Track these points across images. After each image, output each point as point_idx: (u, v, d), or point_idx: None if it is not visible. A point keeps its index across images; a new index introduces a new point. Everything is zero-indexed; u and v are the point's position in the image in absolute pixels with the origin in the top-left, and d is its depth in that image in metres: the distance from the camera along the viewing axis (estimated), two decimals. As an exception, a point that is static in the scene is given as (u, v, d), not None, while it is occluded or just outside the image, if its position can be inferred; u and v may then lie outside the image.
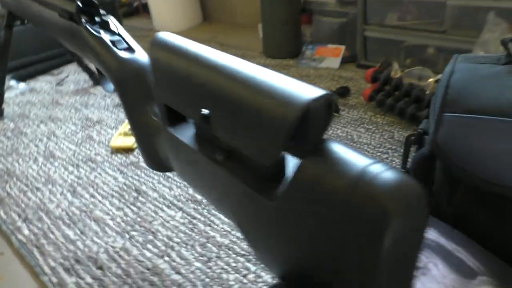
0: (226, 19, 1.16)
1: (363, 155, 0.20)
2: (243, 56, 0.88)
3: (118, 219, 0.46)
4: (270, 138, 0.21)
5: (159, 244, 0.42)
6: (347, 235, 0.18)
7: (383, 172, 0.18)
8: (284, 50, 0.84)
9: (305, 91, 0.20)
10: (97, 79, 0.83)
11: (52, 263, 0.41)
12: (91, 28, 0.39)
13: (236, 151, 0.26)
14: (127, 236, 0.43)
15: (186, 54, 0.27)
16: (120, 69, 0.36)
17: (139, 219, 0.45)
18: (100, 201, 0.49)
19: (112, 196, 0.50)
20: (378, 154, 0.51)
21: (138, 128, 0.36)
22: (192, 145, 0.29)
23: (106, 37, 0.38)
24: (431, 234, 0.32)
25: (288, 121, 0.19)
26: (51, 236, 0.45)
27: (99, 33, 0.39)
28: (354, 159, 0.19)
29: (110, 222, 0.45)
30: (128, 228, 0.44)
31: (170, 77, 0.29)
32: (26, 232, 0.46)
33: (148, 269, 0.39)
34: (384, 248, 0.17)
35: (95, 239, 0.43)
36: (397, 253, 0.18)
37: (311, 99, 0.19)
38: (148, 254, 0.40)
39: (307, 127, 0.20)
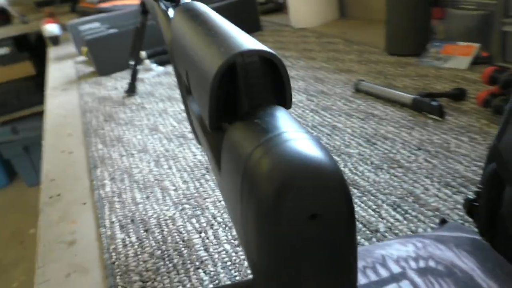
0: (361, 15, 1.11)
1: (294, 123, 0.16)
2: (362, 52, 0.83)
3: (180, 191, 0.48)
4: (205, 101, 0.19)
5: (202, 220, 0.42)
6: (247, 213, 0.16)
7: (287, 142, 0.15)
8: (407, 47, 0.76)
9: (242, 45, 0.18)
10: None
11: (114, 219, 0.45)
12: (163, 3, 0.42)
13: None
14: (180, 207, 0.45)
15: (189, 20, 0.26)
16: (171, 42, 0.38)
17: (196, 194, 0.46)
18: (173, 173, 0.52)
19: (185, 170, 0.52)
20: (474, 168, 0.42)
21: (184, 100, 0.37)
22: (194, 115, 0.29)
23: (171, 12, 0.40)
24: (464, 262, 0.25)
25: (210, 81, 0.17)
26: (123, 196, 0.49)
27: (167, 8, 0.41)
28: (275, 125, 0.16)
29: (172, 193, 0.48)
30: (184, 200, 0.46)
31: (176, 44, 0.28)
32: (108, 189, 0.51)
33: (183, 240, 0.40)
34: (267, 234, 0.14)
35: (154, 205, 0.46)
36: (293, 247, 0.15)
37: (236, 54, 0.17)
38: (189, 227, 0.41)
39: (240, 89, 0.18)
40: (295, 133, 0.16)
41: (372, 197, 0.41)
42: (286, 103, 0.19)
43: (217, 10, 1.10)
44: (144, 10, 0.75)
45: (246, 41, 0.18)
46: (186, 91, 0.31)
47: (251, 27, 1.17)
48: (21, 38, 2.49)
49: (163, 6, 0.42)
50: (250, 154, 0.16)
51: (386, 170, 0.45)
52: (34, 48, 2.65)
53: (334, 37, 0.98)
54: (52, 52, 1.46)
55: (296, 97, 0.68)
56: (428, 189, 0.41)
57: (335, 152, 0.50)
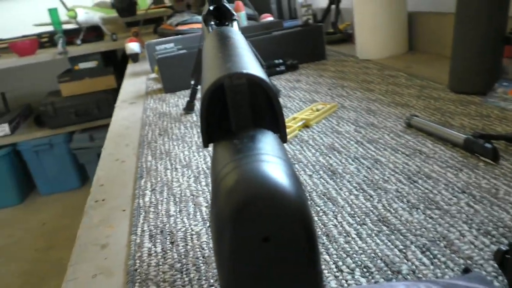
0: (432, 50, 1.08)
1: (273, 148, 0.17)
2: (423, 87, 0.80)
3: (211, 209, 0.49)
4: (200, 119, 0.20)
5: (226, 239, 0.42)
6: (211, 227, 0.16)
7: (255, 163, 0.15)
8: (472, 85, 0.73)
9: (233, 68, 0.18)
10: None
11: (145, 228, 0.47)
12: (211, 27, 0.44)
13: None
14: (207, 224, 0.46)
15: (213, 42, 0.27)
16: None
17: (226, 213, 0.47)
18: (208, 190, 0.53)
19: (220, 188, 0.53)
20: (521, 218, 0.39)
21: None
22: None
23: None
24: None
25: (202, 100, 0.18)
26: (159, 207, 0.51)
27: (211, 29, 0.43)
28: (251, 147, 0.16)
29: (204, 209, 0.49)
30: (213, 218, 0.47)
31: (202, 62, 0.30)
32: (147, 199, 0.54)
33: (203, 257, 0.40)
34: (223, 251, 0.15)
35: (185, 219, 0.47)
36: (248, 266, 0.15)
37: (224, 75, 0.18)
38: (212, 245, 0.42)
39: (228, 109, 0.18)
40: (267, 156, 0.16)
41: (401, 237, 0.39)
42: (279, 129, 0.19)
43: (284, 36, 1.12)
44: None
45: (241, 64, 0.19)
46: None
47: (315, 56, 1.18)
48: (108, 54, 2.70)
49: (210, 29, 0.44)
50: (220, 170, 0.16)
51: (422, 210, 0.42)
52: (118, 64, 2.87)
53: (397, 71, 0.95)
54: (130, 68, 1.57)
55: (344, 127, 0.67)
56: (464, 235, 0.38)
57: (372, 186, 0.48)
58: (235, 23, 0.45)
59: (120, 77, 2.73)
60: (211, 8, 0.46)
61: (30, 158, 2.68)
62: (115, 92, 2.65)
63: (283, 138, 0.20)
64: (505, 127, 0.59)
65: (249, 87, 0.18)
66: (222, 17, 0.48)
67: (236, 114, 0.18)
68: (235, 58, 0.20)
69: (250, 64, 0.19)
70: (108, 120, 2.65)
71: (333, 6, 1.55)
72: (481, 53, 0.71)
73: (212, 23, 0.46)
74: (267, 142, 0.17)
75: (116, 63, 2.82)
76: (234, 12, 0.48)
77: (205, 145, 0.20)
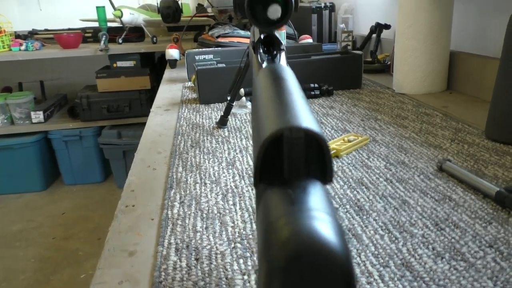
0: (470, 92, 1.07)
1: (323, 202, 0.18)
2: (458, 130, 0.80)
3: (236, 229, 0.50)
4: (254, 161, 0.21)
5: (249, 263, 0.44)
6: (260, 270, 0.17)
7: (308, 219, 0.16)
8: (510, 135, 0.72)
9: (293, 120, 0.19)
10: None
11: (172, 240, 0.48)
12: (260, 56, 0.45)
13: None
14: (232, 245, 0.47)
15: (267, 81, 0.29)
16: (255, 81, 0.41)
17: (250, 236, 0.48)
18: (235, 210, 0.54)
19: (247, 210, 0.54)
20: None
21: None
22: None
23: (265, 65, 0.43)
24: None
25: (259, 146, 0.19)
26: (186, 221, 0.52)
27: (263, 61, 0.44)
28: (304, 200, 0.18)
29: (230, 229, 0.50)
30: (238, 239, 0.48)
31: (254, 99, 0.31)
32: (175, 211, 0.55)
33: (226, 278, 0.41)
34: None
35: (210, 237, 0.49)
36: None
37: (284, 128, 0.19)
38: (235, 267, 0.43)
39: (284, 158, 0.19)
40: (318, 212, 0.17)
41: (424, 285, 0.39)
42: (326, 178, 0.21)
43: (323, 61, 1.13)
44: (249, 53, 0.81)
45: (300, 116, 0.20)
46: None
47: (351, 83, 1.18)
48: (147, 55, 2.77)
49: (259, 58, 0.46)
50: (274, 220, 0.17)
51: (447, 260, 0.42)
52: (154, 66, 2.93)
53: (433, 109, 0.95)
54: (168, 73, 1.61)
55: (374, 162, 0.67)
56: (488, 293, 0.38)
57: (398, 228, 0.49)
58: (283, 54, 0.47)
59: (155, 78, 2.79)
60: (262, 36, 0.48)
61: (59, 147, 2.76)
62: (148, 92, 2.71)
63: (329, 180, 0.21)
64: (540, 183, 0.58)
65: (306, 140, 0.19)
66: (271, 45, 0.50)
67: (291, 164, 0.19)
68: (293, 109, 0.21)
69: (307, 116, 0.20)
70: (138, 119, 2.71)
71: (374, 35, 1.56)
72: (522, 104, 0.70)
73: (261, 51, 0.48)
74: (317, 196, 0.18)
75: (153, 65, 2.89)
76: (283, 42, 0.50)
77: (256, 186, 0.21)
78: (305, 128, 0.19)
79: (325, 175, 0.20)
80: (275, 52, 0.47)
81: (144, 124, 0.99)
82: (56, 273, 1.90)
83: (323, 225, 0.16)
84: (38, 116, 2.68)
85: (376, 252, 0.45)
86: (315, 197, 0.18)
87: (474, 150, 0.70)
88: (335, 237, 0.16)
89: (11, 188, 2.73)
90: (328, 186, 0.60)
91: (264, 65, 0.43)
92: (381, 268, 0.42)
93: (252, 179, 0.28)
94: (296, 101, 0.23)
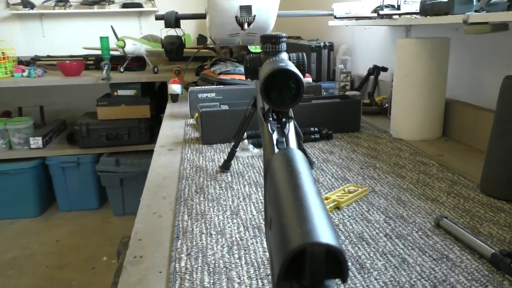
0: (465, 140, 1.10)
1: None
2: (454, 183, 0.83)
3: (243, 286, 0.52)
4: (275, 268, 0.23)
5: (256, 323, 0.45)
6: None
7: None
8: (504, 191, 0.75)
9: (315, 235, 0.22)
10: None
11: (180, 297, 0.50)
12: (271, 125, 0.48)
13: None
14: (239, 303, 0.49)
15: (285, 173, 0.31)
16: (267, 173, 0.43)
17: (257, 295, 0.50)
18: (241, 265, 0.56)
19: (252, 265, 0.56)
20: None
21: (266, 231, 0.42)
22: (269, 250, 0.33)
23: (275, 135, 0.46)
24: None
25: (283, 255, 0.22)
26: (194, 275, 0.54)
27: (273, 131, 0.47)
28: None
29: (236, 286, 0.52)
30: (245, 297, 0.50)
31: (270, 183, 0.33)
32: (182, 264, 0.57)
33: None
34: None
35: (218, 293, 0.50)
36: None
37: (308, 243, 0.21)
38: (243, 328, 0.45)
39: (305, 268, 0.22)
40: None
41: None
42: (342, 279, 0.23)
43: (322, 106, 1.17)
44: (255, 103, 0.84)
45: (320, 229, 0.22)
46: (267, 225, 0.36)
47: (350, 127, 1.22)
48: (147, 84, 2.81)
49: (270, 127, 0.49)
50: None
51: (446, 326, 0.44)
52: (154, 94, 2.97)
53: (430, 158, 0.98)
54: (169, 107, 1.65)
55: (373, 216, 0.70)
56: None
57: (398, 290, 0.51)
58: (291, 124, 0.50)
59: (154, 107, 2.83)
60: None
61: (56, 173, 2.76)
62: (147, 121, 2.74)
63: (345, 280, 0.23)
64: (532, 243, 0.60)
65: (327, 254, 0.21)
66: (280, 112, 0.53)
67: (311, 274, 0.22)
68: (313, 217, 0.24)
69: (327, 228, 0.23)
70: (136, 147, 2.73)
71: (371, 77, 1.61)
72: (515, 161, 0.73)
73: (271, 119, 0.51)
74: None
75: (153, 94, 2.93)
76: (292, 114, 0.53)
77: (279, 286, 0.23)
78: (326, 244, 0.21)
79: (342, 277, 0.23)
80: (284, 120, 0.50)
81: (142, 152, 1.01)
82: (48, 303, 1.88)
83: None
84: (37, 141, 2.70)
85: (377, 315, 0.46)
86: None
87: (470, 205, 0.73)
88: None
89: (5, 214, 2.72)
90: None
91: (275, 136, 0.46)
92: (383, 333, 0.44)
93: (271, 266, 0.30)
94: (315, 206, 0.25)
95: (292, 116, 0.52)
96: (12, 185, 2.67)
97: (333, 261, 0.22)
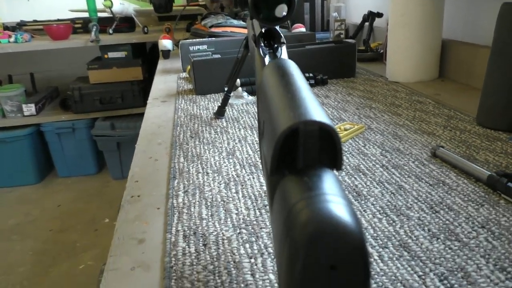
0: (462, 80, 1.09)
1: (335, 187, 0.20)
2: (450, 117, 0.82)
3: (241, 216, 0.52)
4: (271, 152, 0.23)
5: (255, 247, 0.46)
6: (283, 252, 0.19)
7: (324, 202, 0.18)
8: (500, 122, 0.75)
9: (307, 115, 0.21)
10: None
11: (179, 228, 0.50)
12: (262, 49, 0.47)
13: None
14: (237, 231, 0.49)
15: (276, 76, 0.30)
16: (259, 86, 0.42)
17: (254, 222, 0.50)
18: (238, 198, 0.56)
19: (249, 197, 0.56)
20: (537, 259, 0.41)
21: (259, 140, 0.41)
22: (263, 156, 0.32)
23: (267, 58, 0.45)
24: None
25: (276, 138, 0.21)
26: (192, 209, 0.54)
27: (265, 55, 0.46)
28: (319, 186, 0.19)
29: (234, 216, 0.52)
30: (243, 225, 0.50)
31: (261, 92, 0.33)
32: (180, 200, 0.57)
33: (234, 262, 0.44)
34: (293, 273, 0.18)
35: (216, 223, 0.51)
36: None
37: (300, 122, 0.21)
38: (242, 251, 0.45)
39: (298, 150, 0.21)
40: (333, 196, 0.19)
41: (421, 263, 0.42)
42: (337, 165, 0.23)
43: (317, 51, 1.15)
44: (247, 45, 0.82)
45: (312, 111, 0.22)
46: (261, 134, 0.35)
47: (345, 72, 1.20)
48: (138, 46, 2.76)
49: (261, 52, 0.47)
50: (293, 204, 0.19)
51: (442, 240, 0.45)
52: (146, 56, 2.92)
53: (426, 97, 0.97)
54: (161, 64, 1.62)
55: (370, 150, 0.70)
56: (481, 269, 0.40)
57: (395, 211, 0.51)
58: (284, 47, 0.48)
59: (147, 69, 2.79)
60: (263, 30, 0.49)
61: (52, 140, 2.75)
62: (140, 83, 2.71)
63: (339, 167, 0.23)
64: (528, 167, 0.61)
65: (320, 132, 0.21)
66: (271, 38, 0.51)
67: (306, 155, 0.21)
68: (305, 103, 0.23)
69: (318, 110, 0.22)
70: (130, 110, 2.71)
71: (366, 24, 1.57)
72: None
73: (262, 44, 0.49)
74: (331, 182, 0.20)
75: (144, 55, 2.87)
76: (283, 35, 0.51)
77: (272, 174, 0.23)
78: (319, 121, 0.21)
79: (336, 163, 0.22)
80: (276, 45, 0.49)
81: (137, 115, 1.00)
82: (54, 265, 1.92)
83: (338, 207, 0.18)
84: (30, 108, 2.67)
85: (375, 235, 0.47)
86: (329, 183, 0.20)
87: (466, 136, 0.73)
88: (349, 217, 0.18)
89: (5, 182, 2.73)
90: (326, 173, 0.62)
91: (267, 59, 0.45)
92: (380, 249, 0.44)
93: (265, 168, 0.30)
94: (306, 96, 0.25)
95: (284, 41, 0.50)
96: (9, 153, 2.66)
97: (327, 145, 0.22)
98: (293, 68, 0.32)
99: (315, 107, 0.23)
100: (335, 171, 0.24)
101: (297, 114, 0.21)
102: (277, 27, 0.50)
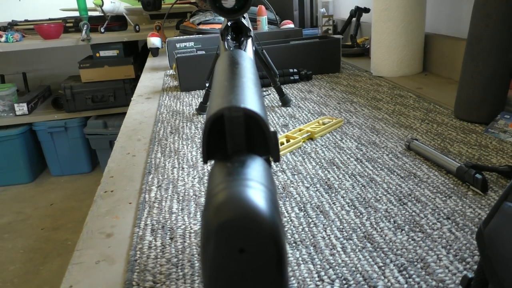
0: (444, 74, 1.10)
1: (259, 173, 0.20)
2: (429, 111, 0.82)
3: (211, 210, 0.52)
4: (202, 139, 0.23)
5: (221, 240, 0.46)
6: (204, 239, 0.19)
7: (241, 187, 0.18)
8: (476, 114, 0.75)
9: (233, 101, 0.21)
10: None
11: (148, 222, 0.50)
12: (227, 43, 0.47)
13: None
14: (206, 224, 0.49)
15: (224, 65, 0.30)
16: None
17: (224, 216, 0.50)
18: (211, 192, 0.57)
19: (222, 191, 0.56)
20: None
21: None
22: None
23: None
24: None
25: (205, 125, 0.21)
26: (163, 203, 0.55)
27: (231, 48, 0.46)
28: (241, 172, 0.20)
29: (204, 210, 0.52)
30: (211, 219, 0.50)
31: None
32: (152, 194, 0.57)
33: (198, 254, 0.44)
34: (207, 257, 0.18)
35: (185, 217, 0.51)
36: (226, 272, 0.18)
37: (224, 108, 0.21)
38: (208, 244, 0.45)
39: (225, 136, 0.21)
40: (252, 182, 0.19)
41: (382, 254, 0.42)
42: (271, 153, 0.23)
43: (301, 47, 1.15)
44: (225, 40, 0.82)
45: (241, 97, 0.22)
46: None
47: (330, 67, 1.20)
48: (130, 44, 2.76)
49: (226, 45, 0.48)
50: (212, 188, 0.19)
51: (406, 232, 0.45)
52: (138, 54, 2.92)
53: (408, 91, 0.98)
54: (150, 61, 1.62)
55: (346, 143, 0.70)
56: (441, 260, 0.41)
57: (364, 204, 0.51)
58: (249, 40, 0.48)
59: (139, 67, 2.78)
60: (229, 23, 0.50)
61: (45, 139, 2.74)
62: (132, 81, 2.70)
63: (276, 158, 0.23)
64: (501, 159, 0.61)
65: (246, 118, 0.21)
66: (239, 32, 0.51)
67: (231, 141, 0.21)
68: (237, 89, 0.23)
69: (249, 97, 0.22)
70: (123, 109, 2.70)
71: (353, 19, 1.58)
72: (488, 83, 0.73)
73: (229, 38, 0.50)
74: (254, 168, 0.20)
75: (136, 54, 2.87)
76: (251, 29, 0.51)
77: (205, 162, 0.23)
78: (243, 107, 0.21)
79: (268, 151, 0.23)
80: (242, 39, 0.49)
81: None
82: (45, 263, 1.92)
83: (254, 193, 0.18)
84: (22, 108, 2.66)
85: (341, 227, 0.47)
86: (253, 170, 0.20)
87: (442, 129, 0.73)
88: (264, 203, 0.18)
89: (-3, 181, 2.72)
90: (300, 167, 0.62)
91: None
92: (345, 241, 0.45)
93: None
94: (244, 84, 0.25)
95: (252, 35, 0.51)
96: (1, 152, 2.65)
97: (258, 132, 0.22)
98: (244, 59, 0.32)
99: (247, 94, 0.23)
100: (271, 162, 0.24)
101: (225, 101, 0.22)
102: (244, 21, 0.51)
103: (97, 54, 2.65)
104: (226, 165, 0.20)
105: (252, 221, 0.17)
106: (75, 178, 2.81)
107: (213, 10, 0.41)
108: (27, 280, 1.79)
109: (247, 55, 0.35)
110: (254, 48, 0.49)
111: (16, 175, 2.75)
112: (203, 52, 1.17)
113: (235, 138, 0.21)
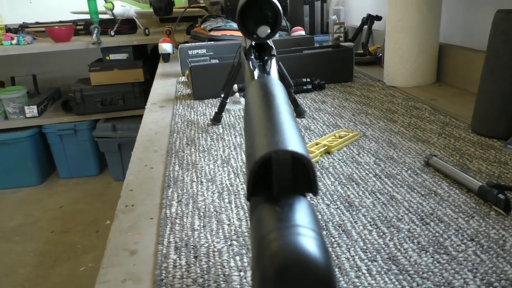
0: (459, 84, 1.09)
1: (308, 218, 0.20)
2: (446, 124, 0.82)
3: (232, 227, 0.52)
4: (247, 179, 0.23)
5: (245, 260, 0.46)
6: (254, 276, 0.19)
7: (294, 235, 0.19)
8: (494, 129, 0.75)
9: (280, 143, 0.22)
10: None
11: (171, 239, 0.51)
12: (252, 62, 0.47)
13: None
14: (229, 242, 0.49)
15: (259, 97, 0.31)
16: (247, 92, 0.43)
17: (246, 234, 0.51)
18: (231, 208, 0.57)
19: (242, 207, 0.57)
20: None
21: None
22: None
23: (256, 72, 0.45)
24: None
25: (251, 166, 0.22)
26: (184, 219, 0.55)
27: (255, 68, 0.46)
28: (291, 217, 0.20)
29: (226, 227, 0.52)
30: (234, 237, 0.50)
31: (246, 110, 0.33)
32: (173, 210, 0.57)
33: (224, 275, 0.44)
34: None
35: (208, 235, 0.51)
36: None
37: (272, 151, 0.21)
38: (232, 264, 0.46)
39: (271, 178, 0.22)
40: (304, 229, 0.19)
41: (408, 278, 0.42)
42: (313, 191, 0.23)
43: (314, 56, 1.15)
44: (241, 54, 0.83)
45: (287, 138, 0.22)
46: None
47: (343, 77, 1.20)
48: (139, 47, 2.77)
49: (251, 64, 0.48)
50: (266, 234, 0.19)
51: (431, 253, 0.45)
52: (147, 58, 2.93)
53: (422, 102, 0.98)
54: (161, 67, 1.62)
55: (364, 158, 0.70)
56: (468, 284, 0.41)
57: (386, 223, 0.51)
58: (273, 60, 0.49)
59: (148, 71, 2.79)
60: (253, 43, 0.50)
61: (54, 141, 2.76)
62: (141, 85, 2.72)
63: (316, 193, 0.23)
64: (521, 176, 0.61)
65: (293, 161, 0.21)
66: (262, 51, 0.52)
67: (278, 182, 0.22)
68: (281, 130, 0.23)
69: (293, 137, 0.23)
70: (132, 112, 2.72)
71: (365, 27, 1.57)
72: (506, 98, 0.72)
73: (253, 56, 0.50)
74: (303, 213, 0.21)
75: (145, 57, 2.88)
76: (273, 47, 0.52)
77: (248, 200, 0.23)
78: (291, 151, 0.21)
79: (312, 189, 0.23)
80: (266, 58, 0.50)
81: (138, 116, 1.01)
82: (55, 266, 1.93)
83: (307, 241, 0.18)
84: (32, 110, 2.68)
85: (364, 247, 0.47)
86: (301, 214, 0.20)
87: (460, 144, 0.73)
88: (318, 251, 0.18)
89: (7, 183, 2.74)
90: (319, 183, 0.62)
91: (256, 73, 0.45)
92: (369, 263, 0.45)
93: (246, 193, 0.30)
94: (284, 122, 0.25)
95: (275, 54, 0.51)
96: (11, 154, 2.67)
97: (302, 172, 0.22)
98: (277, 89, 0.32)
99: (291, 134, 0.23)
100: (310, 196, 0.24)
101: (272, 143, 0.22)
102: (270, 41, 0.51)
103: (107, 57, 2.66)
104: (275, 210, 0.21)
105: (309, 269, 0.18)
106: (83, 180, 2.83)
107: (243, 34, 0.41)
108: (38, 284, 1.80)
109: (278, 82, 0.35)
110: (277, 68, 0.49)
111: (25, 177, 2.77)
112: (216, 60, 1.18)
113: (281, 181, 0.22)
